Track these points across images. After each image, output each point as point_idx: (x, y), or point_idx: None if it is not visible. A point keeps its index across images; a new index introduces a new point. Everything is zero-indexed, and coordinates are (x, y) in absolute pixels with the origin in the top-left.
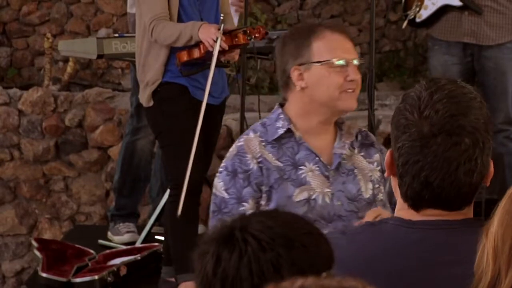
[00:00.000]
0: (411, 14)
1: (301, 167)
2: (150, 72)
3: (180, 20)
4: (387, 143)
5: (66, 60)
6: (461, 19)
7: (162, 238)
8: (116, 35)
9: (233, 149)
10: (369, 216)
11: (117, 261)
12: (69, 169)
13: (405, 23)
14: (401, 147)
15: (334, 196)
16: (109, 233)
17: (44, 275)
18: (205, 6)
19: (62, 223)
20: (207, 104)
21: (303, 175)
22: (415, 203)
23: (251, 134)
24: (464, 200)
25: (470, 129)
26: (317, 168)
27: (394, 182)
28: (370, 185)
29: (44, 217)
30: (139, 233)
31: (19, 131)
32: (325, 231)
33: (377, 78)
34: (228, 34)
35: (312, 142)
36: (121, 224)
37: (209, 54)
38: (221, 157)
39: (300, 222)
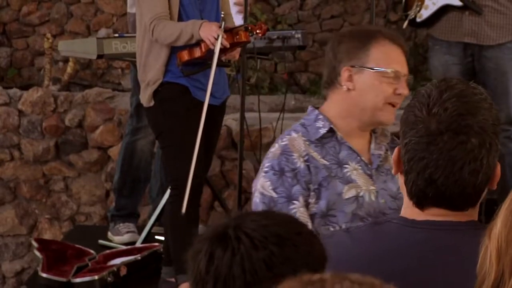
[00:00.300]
0: (411, 14)
1: (345, 165)
2: (151, 72)
3: (180, 19)
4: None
5: (66, 60)
6: (462, 19)
7: (162, 238)
8: (116, 35)
9: (276, 148)
10: None
11: (117, 261)
12: (69, 169)
13: (405, 23)
14: (408, 143)
15: (379, 194)
16: (109, 233)
17: (44, 275)
18: (206, 6)
19: (62, 223)
20: (209, 105)
21: (348, 173)
22: (419, 201)
23: (294, 134)
24: (468, 201)
25: (477, 129)
26: (360, 167)
27: (401, 180)
28: None
29: (44, 217)
30: (139, 233)
31: (19, 131)
32: None
33: None
34: (229, 31)
35: (351, 143)
36: (121, 224)
37: (210, 53)
38: (221, 158)
39: (293, 222)
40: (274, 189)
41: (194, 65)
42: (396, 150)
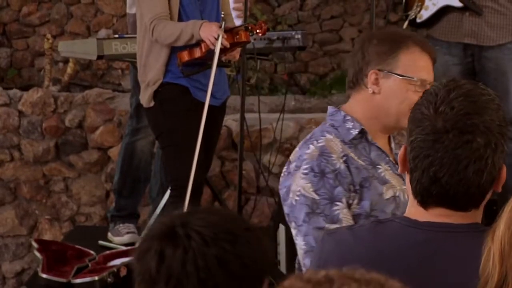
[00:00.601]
0: (411, 14)
1: (378, 166)
2: (151, 73)
3: (180, 20)
4: None
5: (66, 61)
6: (462, 20)
7: None
8: (116, 36)
9: (312, 150)
10: None
11: (117, 262)
12: (69, 170)
13: (406, 23)
14: (414, 141)
15: None
16: (109, 234)
17: (44, 276)
18: (206, 6)
19: (62, 224)
20: (209, 105)
21: (382, 174)
22: (423, 200)
23: (328, 135)
24: (472, 201)
25: (483, 129)
26: (389, 168)
27: (407, 179)
28: None
29: (44, 218)
30: (139, 233)
31: (19, 132)
32: None
33: None
34: (229, 31)
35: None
36: (121, 225)
37: (210, 53)
38: (221, 158)
39: (240, 219)
40: (315, 191)
41: (194, 65)
42: (402, 148)
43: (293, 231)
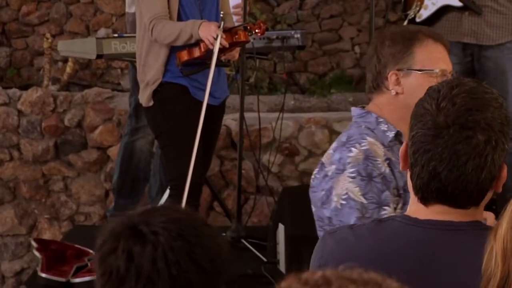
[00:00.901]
0: (411, 13)
1: None
2: (150, 72)
3: (180, 19)
4: None
5: (65, 60)
6: (461, 19)
7: None
8: (116, 35)
9: (356, 153)
10: (490, 218)
11: None
12: (69, 169)
13: (405, 23)
14: (415, 136)
15: None
16: None
17: (43, 275)
18: (206, 5)
19: (62, 223)
20: (208, 105)
21: None
22: (424, 196)
23: (369, 138)
24: (470, 198)
25: (484, 125)
26: None
27: (408, 175)
28: None
29: (43, 217)
30: None
31: (18, 131)
32: None
33: None
34: (228, 31)
35: None
36: None
37: (209, 53)
38: (221, 157)
39: (197, 214)
40: (363, 195)
41: (194, 65)
42: (403, 144)
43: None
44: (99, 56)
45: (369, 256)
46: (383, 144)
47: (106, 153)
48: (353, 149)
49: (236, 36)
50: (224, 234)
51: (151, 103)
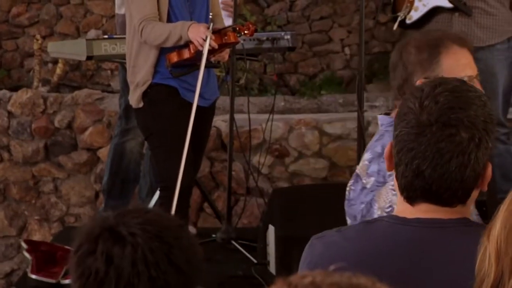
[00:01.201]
0: (401, 15)
1: None
2: (140, 73)
3: (170, 21)
4: None
5: (55, 61)
6: (452, 21)
7: None
8: (106, 36)
9: None
10: None
11: None
12: (59, 171)
13: (396, 25)
14: (398, 135)
15: None
16: None
17: (33, 276)
18: (196, 7)
19: (52, 224)
20: (198, 106)
21: None
22: (409, 195)
23: None
24: (456, 196)
25: (467, 123)
26: None
27: (394, 176)
28: None
29: (33, 218)
30: None
31: (8, 133)
32: None
33: (367, 79)
34: (218, 33)
35: None
36: None
37: (199, 54)
38: (211, 159)
39: (171, 216)
40: None
41: (183, 66)
42: (388, 145)
43: None
44: (89, 58)
45: (359, 257)
46: None
47: (96, 155)
48: None
49: (226, 38)
50: (214, 236)
51: (141, 105)
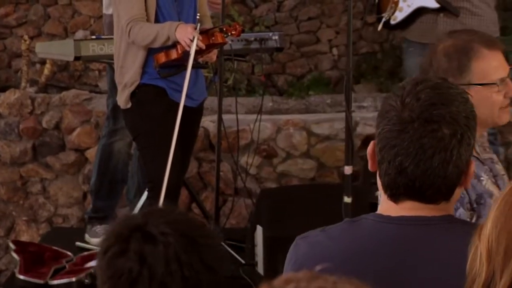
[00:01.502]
0: (386, 16)
1: (481, 178)
2: (128, 74)
3: (157, 21)
4: (364, 145)
5: (43, 62)
6: (437, 21)
7: None
8: (94, 37)
9: None
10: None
11: (95, 263)
12: (47, 171)
13: (380, 26)
14: (381, 132)
15: None
16: (86, 235)
17: (21, 277)
18: (184, 7)
19: (40, 225)
20: (186, 107)
21: (487, 186)
22: (392, 192)
23: None
24: (439, 193)
25: (449, 119)
26: (487, 177)
27: (377, 174)
28: None
29: (21, 219)
30: None
31: None
32: None
33: (355, 80)
34: (205, 33)
35: None
36: (98, 226)
37: (187, 55)
38: (199, 159)
39: (192, 215)
40: None
41: (171, 67)
42: (371, 143)
43: None
44: (77, 58)
45: (343, 256)
46: None
47: (84, 155)
48: None
49: (213, 38)
50: None
51: (129, 105)
